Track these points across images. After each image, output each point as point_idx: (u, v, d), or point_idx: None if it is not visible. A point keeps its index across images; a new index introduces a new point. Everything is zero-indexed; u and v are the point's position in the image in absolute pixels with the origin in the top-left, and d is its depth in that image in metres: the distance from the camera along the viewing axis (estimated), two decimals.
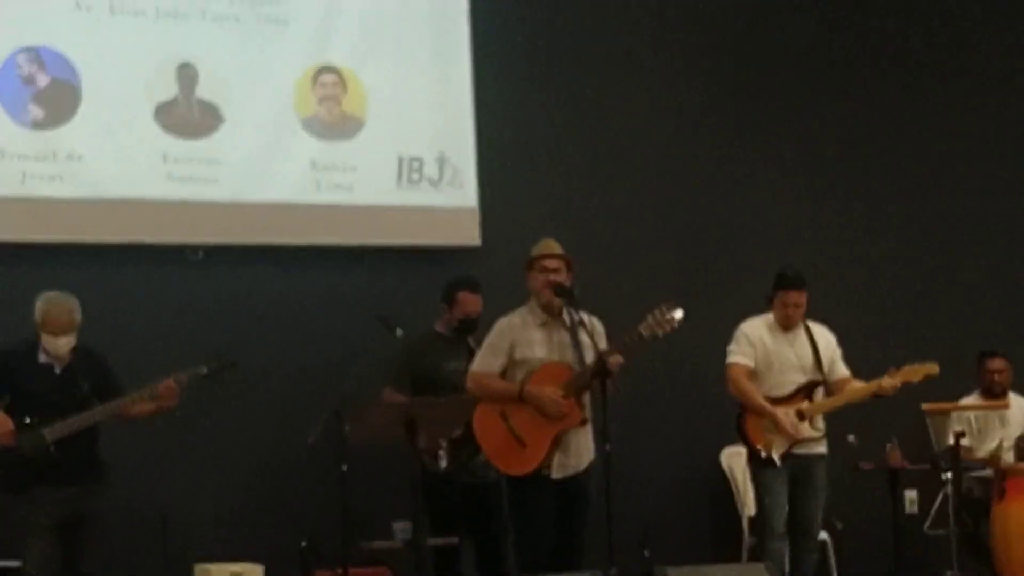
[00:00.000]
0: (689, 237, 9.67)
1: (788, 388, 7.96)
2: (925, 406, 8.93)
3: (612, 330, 7.37)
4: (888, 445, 8.92)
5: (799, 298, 7.99)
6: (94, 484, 7.17)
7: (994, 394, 9.38)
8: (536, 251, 7.38)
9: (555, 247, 7.37)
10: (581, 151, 9.49)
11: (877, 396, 7.96)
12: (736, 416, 8.01)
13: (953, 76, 10.33)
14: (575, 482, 7.24)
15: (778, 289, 8.00)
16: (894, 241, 10.08)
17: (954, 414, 9.00)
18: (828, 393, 8.02)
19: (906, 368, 8.00)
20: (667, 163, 9.70)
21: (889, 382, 7.91)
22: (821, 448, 7.99)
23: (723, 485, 9.12)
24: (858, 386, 7.99)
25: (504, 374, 7.27)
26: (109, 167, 8.34)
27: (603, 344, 7.18)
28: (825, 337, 8.11)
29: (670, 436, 9.23)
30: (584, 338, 7.16)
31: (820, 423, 7.98)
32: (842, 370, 8.08)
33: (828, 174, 10.01)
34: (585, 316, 7.24)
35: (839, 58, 10.12)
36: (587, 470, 7.28)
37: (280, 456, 8.42)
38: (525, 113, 9.31)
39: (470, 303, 8.19)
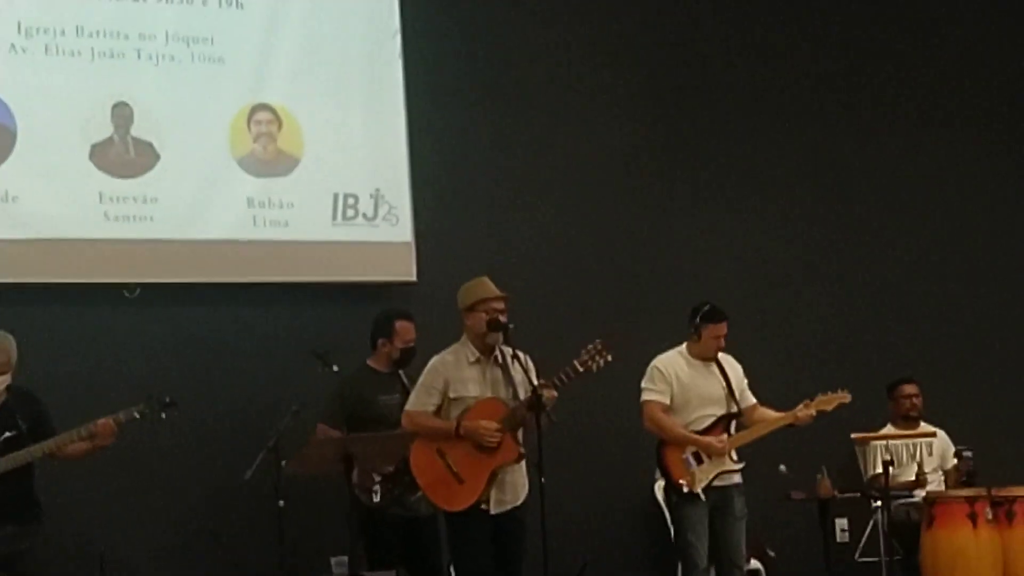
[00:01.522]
0: (623, 271, 9.78)
1: (706, 422, 8.06)
2: (854, 435, 9.05)
3: (547, 364, 7.43)
4: (818, 475, 9.04)
5: (725, 330, 8.14)
6: (30, 523, 7.15)
7: (911, 419, 9.50)
8: (481, 293, 7.38)
9: (494, 287, 7.42)
10: (515, 186, 9.58)
11: (791, 426, 8.10)
12: (656, 451, 8.09)
13: (875, 112, 10.51)
14: (511, 516, 7.30)
15: (709, 323, 8.11)
16: (813, 274, 10.23)
17: (879, 443, 9.11)
18: (741, 423, 8.15)
19: (819, 398, 8.15)
20: (600, 198, 9.81)
21: (804, 412, 8.05)
22: (737, 478, 8.10)
23: (658, 516, 9.16)
24: (773, 417, 8.12)
25: (439, 412, 7.32)
26: (45, 207, 8.37)
27: (535, 379, 7.26)
28: (733, 366, 8.23)
29: (605, 468, 9.28)
30: (516, 375, 7.27)
31: (734, 454, 8.09)
32: (750, 397, 8.22)
33: (757, 208, 10.16)
34: (520, 353, 7.33)
35: (767, 96, 10.27)
36: (523, 504, 7.36)
37: (217, 492, 8.44)
38: (459, 149, 9.41)
39: (409, 331, 8.23)
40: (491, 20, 9.63)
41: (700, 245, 9.97)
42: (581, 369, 7.24)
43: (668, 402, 8.06)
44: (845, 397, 8.20)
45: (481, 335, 7.33)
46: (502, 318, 7.30)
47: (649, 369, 8.16)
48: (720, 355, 8.20)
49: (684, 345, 8.20)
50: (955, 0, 10.79)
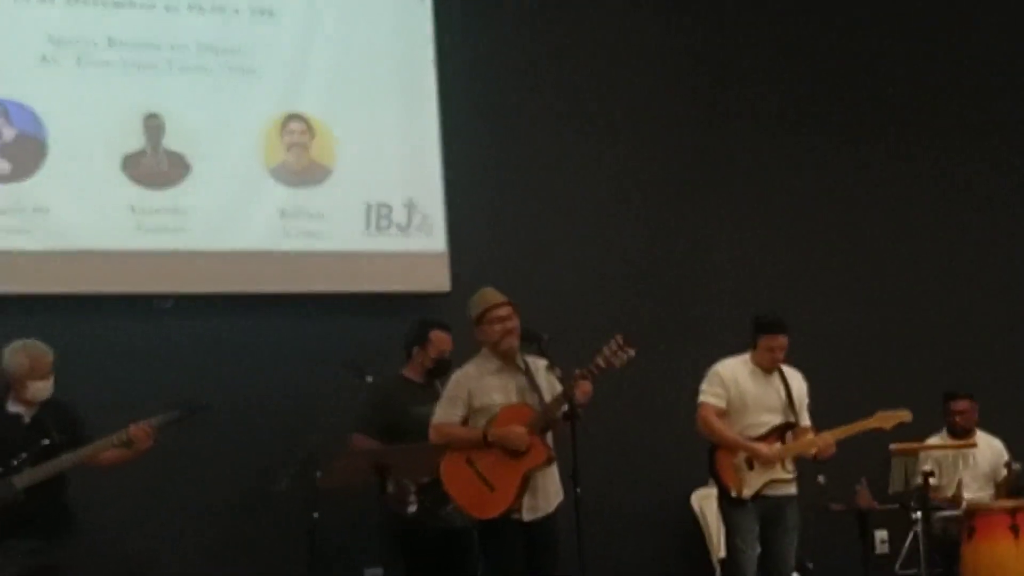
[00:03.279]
0: (658, 279, 9.72)
1: (762, 429, 7.96)
2: (893, 446, 8.95)
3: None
4: (857, 486, 8.95)
5: (784, 341, 8.03)
6: (64, 535, 7.10)
7: (957, 435, 9.42)
8: (483, 304, 7.33)
9: (499, 296, 7.36)
10: (548, 195, 9.53)
11: (815, 458, 7.97)
12: (708, 455, 8.01)
13: (917, 125, 10.47)
14: (545, 524, 7.23)
15: (764, 333, 8.01)
16: (862, 282, 10.16)
17: (922, 453, 9.01)
18: (794, 437, 8.04)
19: (879, 414, 8.06)
20: (637, 205, 9.77)
21: (823, 441, 7.92)
22: (792, 489, 7.99)
23: (693, 527, 9.13)
24: (808, 440, 8.00)
25: (465, 423, 7.26)
26: (77, 219, 8.35)
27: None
28: (798, 382, 8.12)
29: (640, 478, 9.23)
30: (542, 381, 7.20)
31: (790, 464, 7.99)
32: (806, 419, 8.10)
33: (796, 217, 10.10)
34: (555, 367, 7.25)
35: (808, 103, 10.23)
36: (556, 512, 7.28)
37: (251, 504, 8.41)
38: (493, 158, 9.36)
39: (444, 341, 8.18)
40: (525, 28, 9.60)
41: (746, 252, 9.91)
42: (604, 365, 7.14)
43: (723, 406, 7.97)
44: (906, 415, 8.09)
45: (495, 343, 7.28)
46: (510, 324, 7.22)
47: (709, 372, 8.07)
48: (787, 369, 8.09)
49: (748, 353, 8.11)
50: (981, 26, 10.76)
